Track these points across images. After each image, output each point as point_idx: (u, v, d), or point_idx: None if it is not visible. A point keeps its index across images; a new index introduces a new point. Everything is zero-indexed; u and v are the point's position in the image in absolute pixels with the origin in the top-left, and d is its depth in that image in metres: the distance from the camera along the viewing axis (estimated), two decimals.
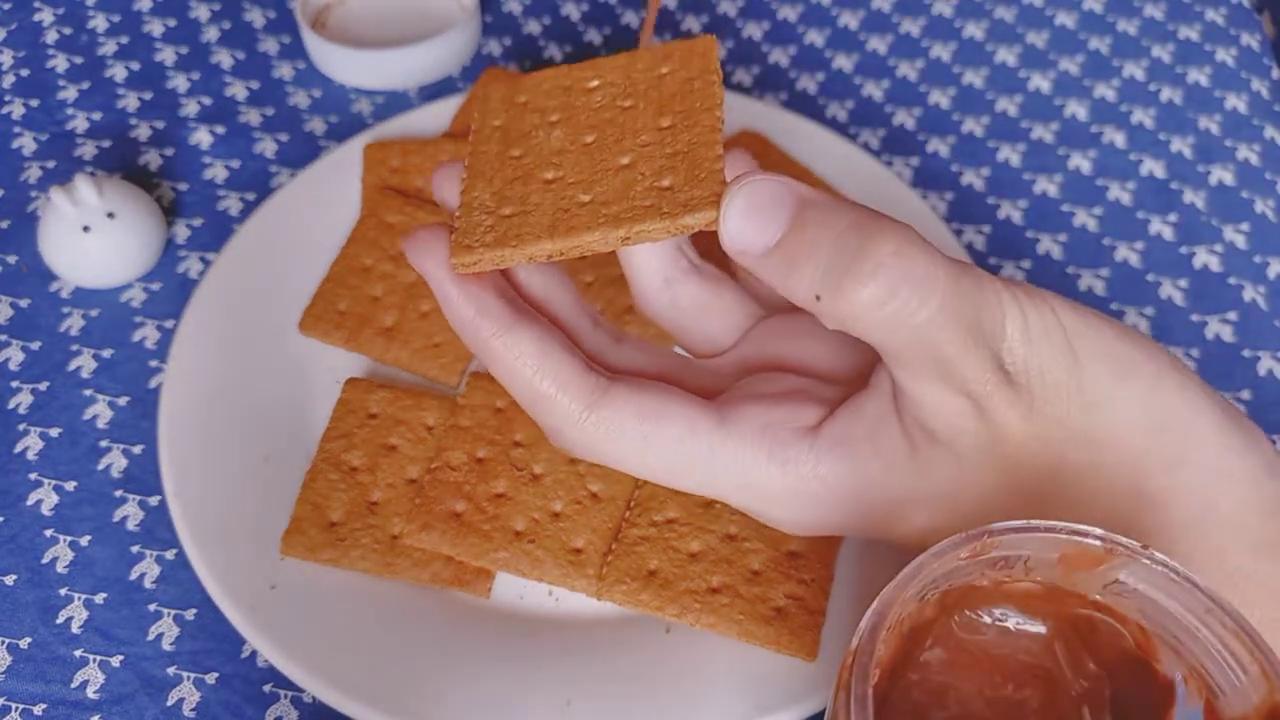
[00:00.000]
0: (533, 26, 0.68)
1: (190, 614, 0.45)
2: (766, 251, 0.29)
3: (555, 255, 0.30)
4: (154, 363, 0.52)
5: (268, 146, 0.61)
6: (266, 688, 0.43)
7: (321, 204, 0.55)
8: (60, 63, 0.65)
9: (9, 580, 0.46)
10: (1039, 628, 0.30)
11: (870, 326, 0.28)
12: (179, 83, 0.64)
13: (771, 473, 0.32)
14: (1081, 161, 0.61)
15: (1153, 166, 0.61)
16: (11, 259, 0.56)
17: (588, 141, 0.32)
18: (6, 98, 0.63)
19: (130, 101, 0.63)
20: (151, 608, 0.45)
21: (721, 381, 0.36)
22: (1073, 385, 0.30)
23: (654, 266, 0.35)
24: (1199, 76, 0.65)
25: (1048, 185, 0.60)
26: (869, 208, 0.29)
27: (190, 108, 0.63)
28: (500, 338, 0.32)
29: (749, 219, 0.29)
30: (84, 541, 0.47)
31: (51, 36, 0.67)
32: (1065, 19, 0.69)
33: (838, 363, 0.35)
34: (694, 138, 0.31)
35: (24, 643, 0.44)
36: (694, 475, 0.33)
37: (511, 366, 0.32)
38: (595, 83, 0.33)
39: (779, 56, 0.67)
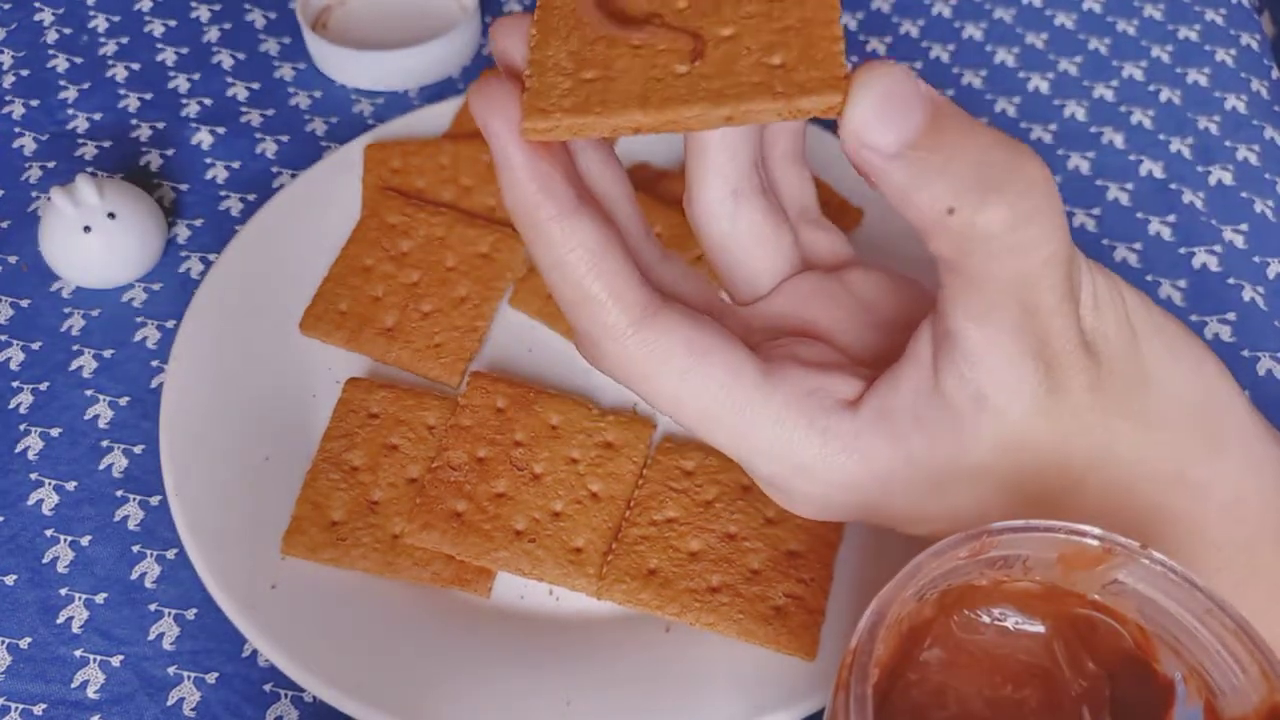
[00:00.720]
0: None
1: (191, 614, 0.45)
2: (898, 151, 0.25)
3: (645, 129, 0.27)
4: (155, 363, 0.52)
5: (269, 147, 0.61)
6: (267, 687, 0.43)
7: (322, 205, 0.55)
8: (61, 63, 0.65)
9: (9, 580, 0.46)
10: (1038, 627, 0.30)
11: (990, 252, 0.26)
12: (180, 83, 0.64)
13: (811, 441, 0.30)
14: (1080, 162, 0.61)
15: (1152, 167, 0.61)
16: (12, 259, 0.56)
17: (680, 7, 0.28)
18: (7, 98, 0.63)
19: (131, 102, 0.63)
20: (152, 607, 0.45)
21: (752, 335, 0.33)
22: (1134, 359, 0.29)
23: (727, 172, 0.31)
24: (1199, 76, 0.65)
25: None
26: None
27: (191, 108, 0.63)
28: (560, 222, 0.28)
29: (884, 111, 0.25)
30: (84, 541, 0.47)
31: (52, 36, 0.67)
32: (1065, 19, 0.69)
33: (864, 341, 0.33)
34: (808, 13, 0.27)
35: (24, 643, 0.44)
36: (725, 426, 0.30)
37: (564, 259, 0.28)
38: None
39: None
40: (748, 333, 0.33)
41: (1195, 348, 0.31)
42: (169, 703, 0.43)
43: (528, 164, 0.28)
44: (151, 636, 0.44)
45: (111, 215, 0.52)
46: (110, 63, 0.65)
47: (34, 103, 0.63)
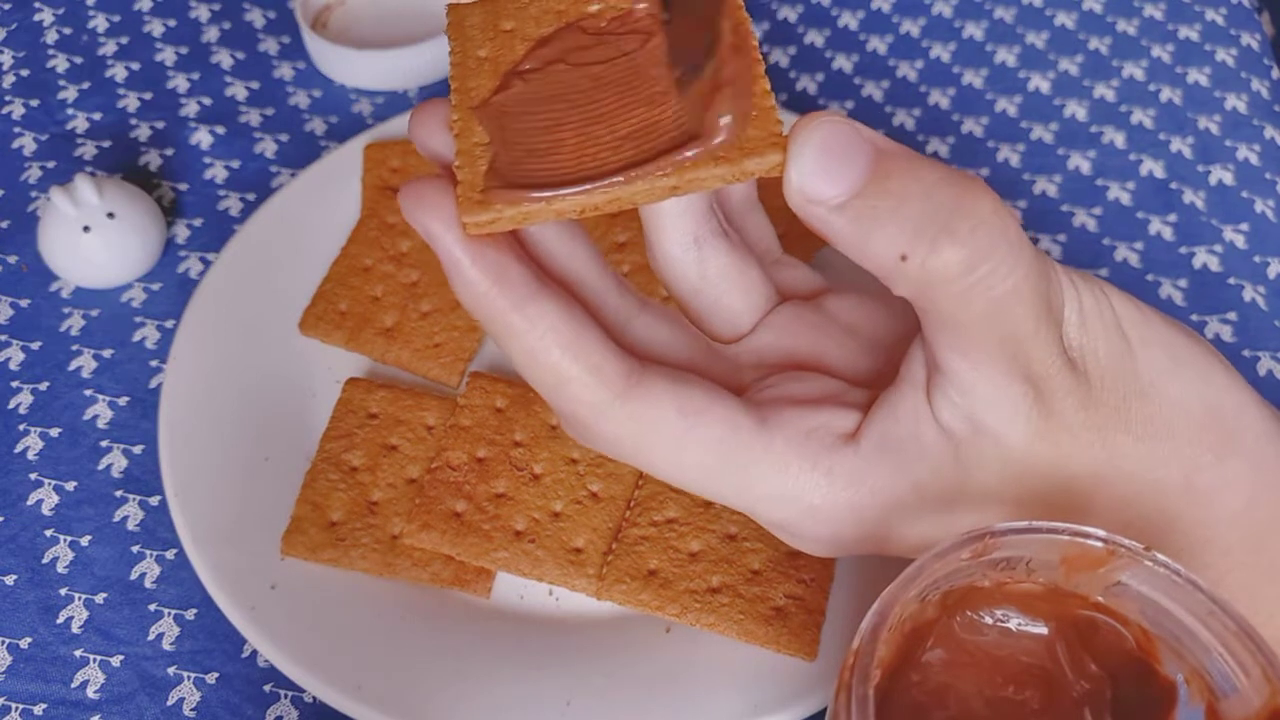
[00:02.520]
0: None
1: (190, 614, 0.45)
2: (843, 203, 0.25)
3: (589, 210, 0.26)
4: (154, 363, 0.52)
5: (268, 147, 0.61)
6: (267, 687, 0.43)
7: (322, 204, 0.55)
8: (60, 63, 0.65)
9: (9, 580, 0.46)
10: (1040, 629, 0.30)
11: (952, 293, 0.26)
12: (179, 83, 0.64)
13: (817, 483, 0.29)
14: (1081, 162, 0.61)
15: (1152, 166, 0.61)
16: (12, 259, 0.56)
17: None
18: (6, 98, 0.63)
19: (130, 101, 0.63)
20: (152, 607, 0.45)
21: (740, 373, 0.33)
22: (1128, 372, 0.29)
23: (685, 225, 0.30)
24: (1199, 76, 0.65)
25: (1047, 185, 0.60)
26: (944, 163, 0.27)
27: (190, 108, 0.63)
28: (522, 312, 0.27)
29: (824, 163, 0.25)
30: (84, 541, 0.47)
31: (51, 36, 0.67)
32: (1065, 19, 0.69)
33: (854, 364, 0.33)
34: (734, 74, 0.26)
35: (24, 643, 0.44)
36: (729, 481, 0.30)
37: (533, 346, 0.27)
38: (596, 7, 0.28)
39: (779, 57, 0.67)
40: (737, 371, 0.33)
41: (1200, 354, 0.30)
42: (169, 703, 0.43)
43: (475, 261, 0.27)
44: (151, 636, 0.44)
45: (111, 215, 0.52)
46: (110, 63, 0.65)
47: (34, 103, 0.63)
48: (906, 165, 0.26)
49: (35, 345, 0.53)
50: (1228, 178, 0.60)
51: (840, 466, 0.29)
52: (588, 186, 0.25)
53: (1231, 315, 0.55)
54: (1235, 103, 0.64)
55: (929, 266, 0.25)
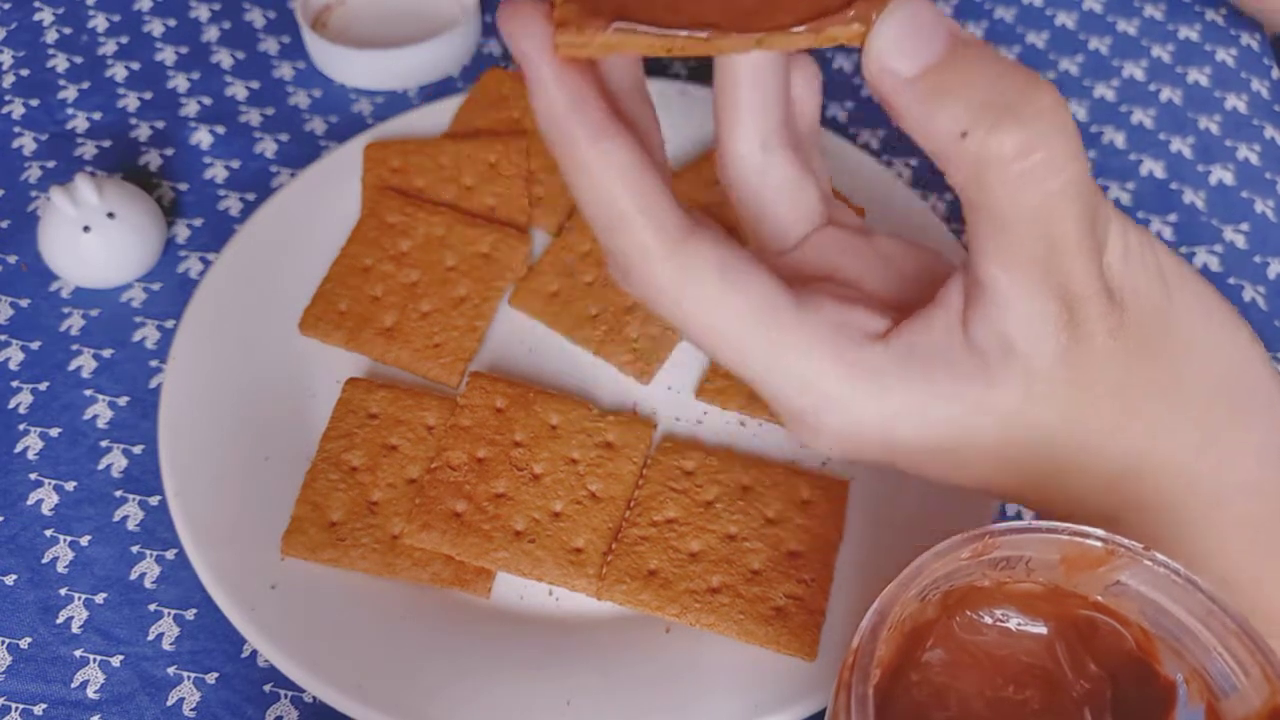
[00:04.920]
0: None
1: (190, 614, 0.45)
2: (916, 76, 0.26)
3: (676, 50, 0.27)
4: (154, 363, 0.52)
5: (268, 146, 0.61)
6: (267, 687, 0.43)
7: (322, 204, 0.55)
8: (60, 62, 0.65)
9: (9, 580, 0.46)
10: (1040, 628, 0.30)
11: (1006, 178, 0.26)
12: (179, 83, 0.64)
13: (838, 374, 0.29)
14: None
15: (1153, 166, 0.61)
16: (11, 259, 0.56)
17: None
18: (6, 98, 0.63)
19: (130, 101, 0.63)
20: (152, 607, 0.45)
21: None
22: (1162, 316, 0.29)
23: (758, 125, 0.31)
24: (1199, 76, 0.65)
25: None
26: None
27: (190, 108, 0.63)
28: (595, 143, 0.28)
29: (904, 37, 0.26)
30: (84, 541, 0.47)
31: (51, 36, 0.67)
32: (1065, 19, 0.69)
33: (889, 292, 0.33)
34: None
35: (24, 643, 0.44)
36: (755, 354, 0.30)
37: (599, 179, 0.28)
38: None
39: None
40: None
41: (1231, 316, 0.31)
42: (169, 703, 0.43)
43: (559, 81, 0.27)
44: (151, 636, 0.44)
45: (111, 215, 0.52)
46: (110, 62, 0.65)
47: (34, 102, 0.63)
48: (979, 52, 0.27)
49: (35, 345, 0.53)
50: (1228, 178, 0.60)
51: (864, 361, 0.30)
52: (681, 31, 0.26)
53: None
54: (1235, 103, 0.64)
55: (987, 145, 0.26)
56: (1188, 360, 0.30)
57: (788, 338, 0.29)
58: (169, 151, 0.61)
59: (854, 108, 0.64)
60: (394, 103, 0.63)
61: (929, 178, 0.60)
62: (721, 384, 0.49)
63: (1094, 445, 0.30)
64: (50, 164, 0.60)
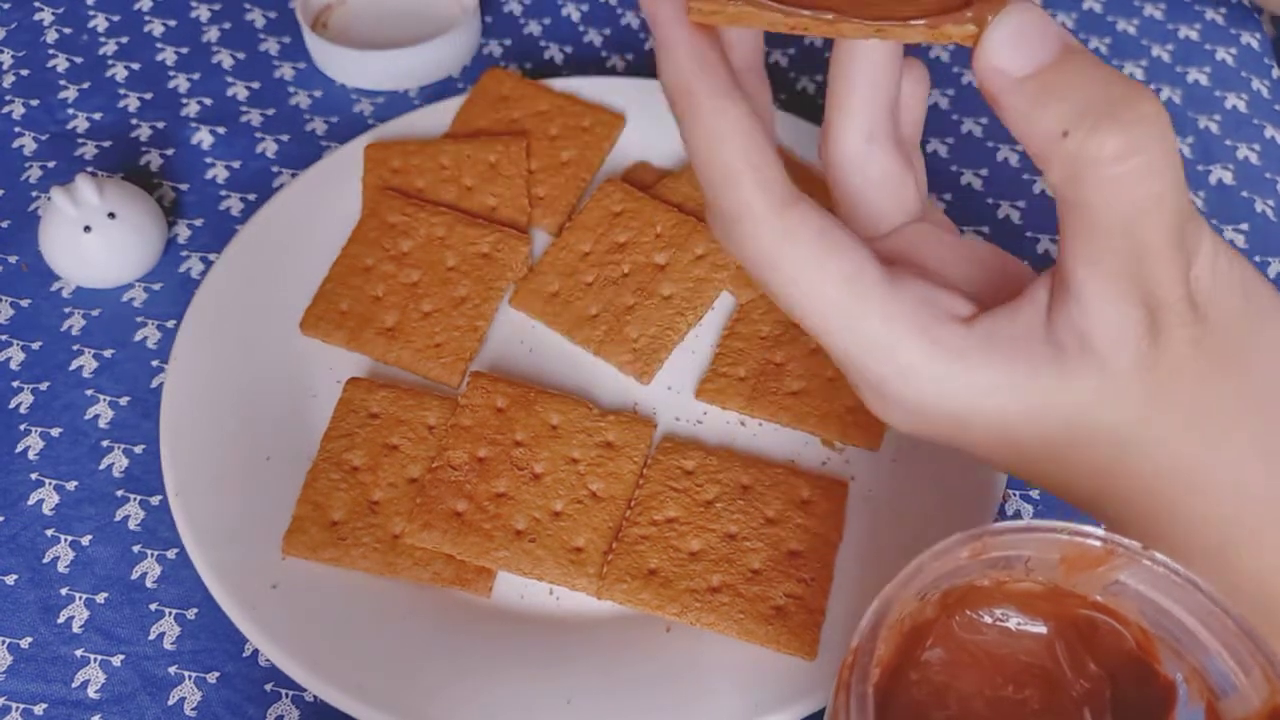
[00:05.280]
0: (533, 27, 0.68)
1: (191, 613, 0.45)
2: (1025, 77, 0.28)
3: (799, 28, 0.28)
4: (155, 362, 0.52)
5: (269, 147, 0.61)
6: (268, 687, 0.43)
7: (323, 204, 0.55)
8: (60, 62, 0.65)
9: (9, 580, 0.46)
10: (1040, 628, 0.30)
11: (1102, 180, 0.27)
12: (180, 83, 0.64)
13: (921, 347, 0.30)
14: None
15: None
16: (12, 259, 0.56)
17: None
18: (7, 98, 0.63)
19: (131, 101, 0.63)
20: (153, 607, 0.45)
21: None
22: (1243, 333, 0.29)
23: (865, 115, 0.33)
24: (1199, 76, 0.65)
25: (1046, 185, 0.60)
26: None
27: (191, 108, 0.63)
28: (715, 101, 0.29)
29: (1017, 40, 0.28)
30: (85, 541, 0.47)
31: (51, 36, 0.67)
32: (1065, 19, 0.69)
33: (972, 284, 0.34)
34: None
35: (24, 642, 0.44)
36: (839, 321, 0.31)
37: (718, 134, 0.29)
38: None
39: (779, 57, 0.67)
40: None
41: None
42: (170, 702, 0.43)
43: (690, 41, 0.29)
44: (152, 636, 0.44)
45: (112, 215, 0.52)
46: (110, 62, 0.65)
47: (34, 102, 0.63)
48: (1086, 59, 0.28)
49: (36, 345, 0.53)
50: (1228, 177, 0.60)
51: (945, 339, 0.30)
52: (805, 11, 0.28)
53: None
54: (1235, 102, 0.64)
55: (1086, 146, 0.27)
56: (1262, 379, 0.30)
57: (876, 306, 0.30)
58: (170, 151, 0.61)
59: None
60: (394, 103, 0.63)
61: (928, 178, 0.60)
62: (721, 384, 0.49)
63: (1155, 454, 0.30)
64: (51, 164, 0.60)
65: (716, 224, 0.32)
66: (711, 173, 0.30)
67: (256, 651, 0.44)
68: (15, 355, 0.52)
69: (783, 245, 0.30)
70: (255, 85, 0.64)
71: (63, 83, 0.64)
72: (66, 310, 0.54)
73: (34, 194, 0.59)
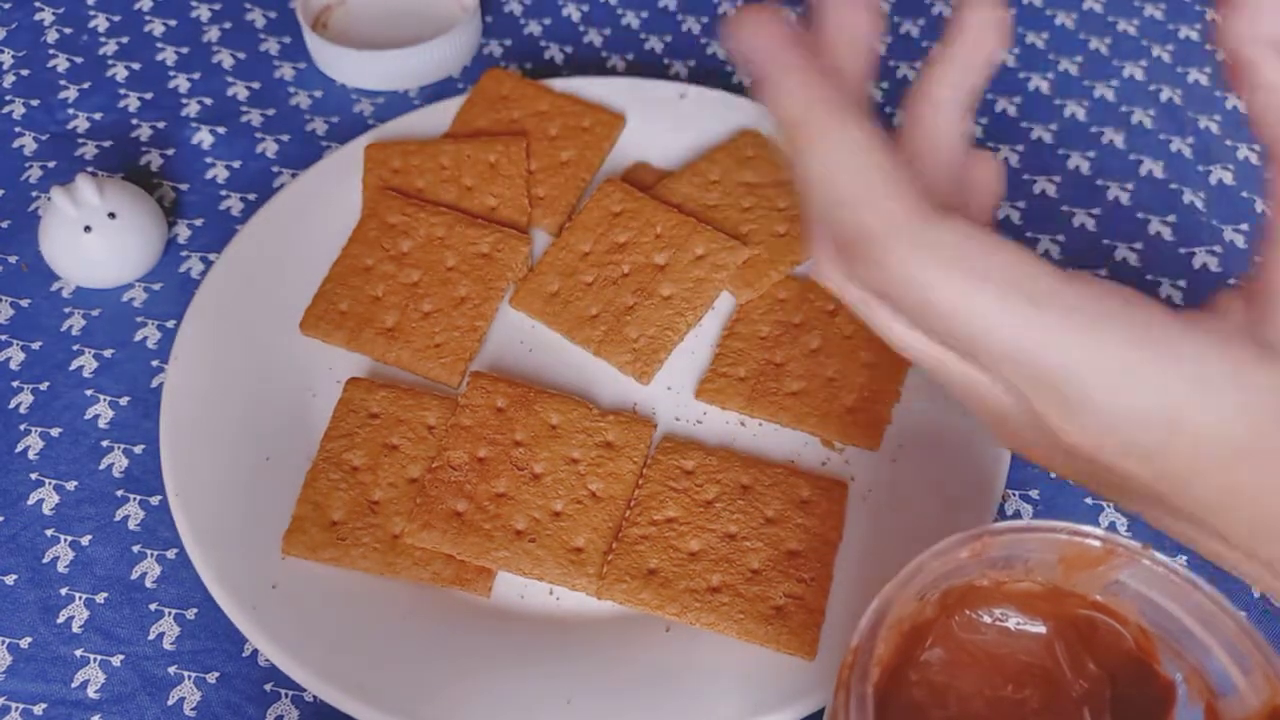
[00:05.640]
0: (533, 27, 0.68)
1: (191, 613, 0.45)
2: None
3: None
4: (155, 362, 0.52)
5: (269, 147, 0.61)
6: (267, 687, 0.43)
7: (323, 204, 0.55)
8: (61, 63, 0.65)
9: (9, 580, 0.46)
10: (1039, 628, 0.30)
11: None
12: (180, 83, 0.64)
13: (1128, 348, 0.28)
14: (1081, 162, 0.61)
15: (1152, 166, 0.61)
16: (12, 259, 0.56)
17: None
18: (7, 98, 0.63)
19: (131, 101, 0.63)
20: (152, 607, 0.45)
21: None
22: None
23: (961, 82, 0.32)
24: (1199, 76, 0.65)
25: (1046, 185, 0.60)
26: None
27: (191, 108, 0.63)
28: (843, 117, 0.28)
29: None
30: (85, 541, 0.47)
31: (52, 36, 0.67)
32: (1065, 19, 0.69)
33: None
34: None
35: (24, 642, 0.44)
36: (1014, 327, 0.28)
37: (849, 151, 0.27)
38: None
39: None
40: None
41: None
42: (169, 702, 0.43)
43: (803, 64, 0.28)
44: (152, 636, 0.44)
45: (112, 215, 0.52)
46: (110, 62, 0.65)
47: (34, 102, 0.63)
48: None
49: (36, 345, 0.53)
50: (1228, 177, 0.60)
51: (1160, 339, 0.28)
52: None
53: None
54: (1235, 102, 0.64)
55: None
56: None
57: (1061, 310, 0.27)
58: (170, 151, 0.61)
59: None
60: (394, 103, 0.64)
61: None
62: (721, 384, 0.50)
63: None
64: (51, 164, 0.60)
65: (856, 248, 0.29)
66: (846, 191, 0.28)
67: (256, 651, 0.44)
68: (15, 355, 0.52)
69: (939, 261, 0.27)
70: (255, 85, 0.64)
71: (63, 83, 0.64)
72: (66, 310, 0.54)
73: (34, 194, 0.59)
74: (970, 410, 0.31)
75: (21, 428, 0.50)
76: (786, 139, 0.29)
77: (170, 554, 0.46)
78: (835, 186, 0.28)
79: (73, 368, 0.52)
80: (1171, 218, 0.59)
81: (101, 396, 0.51)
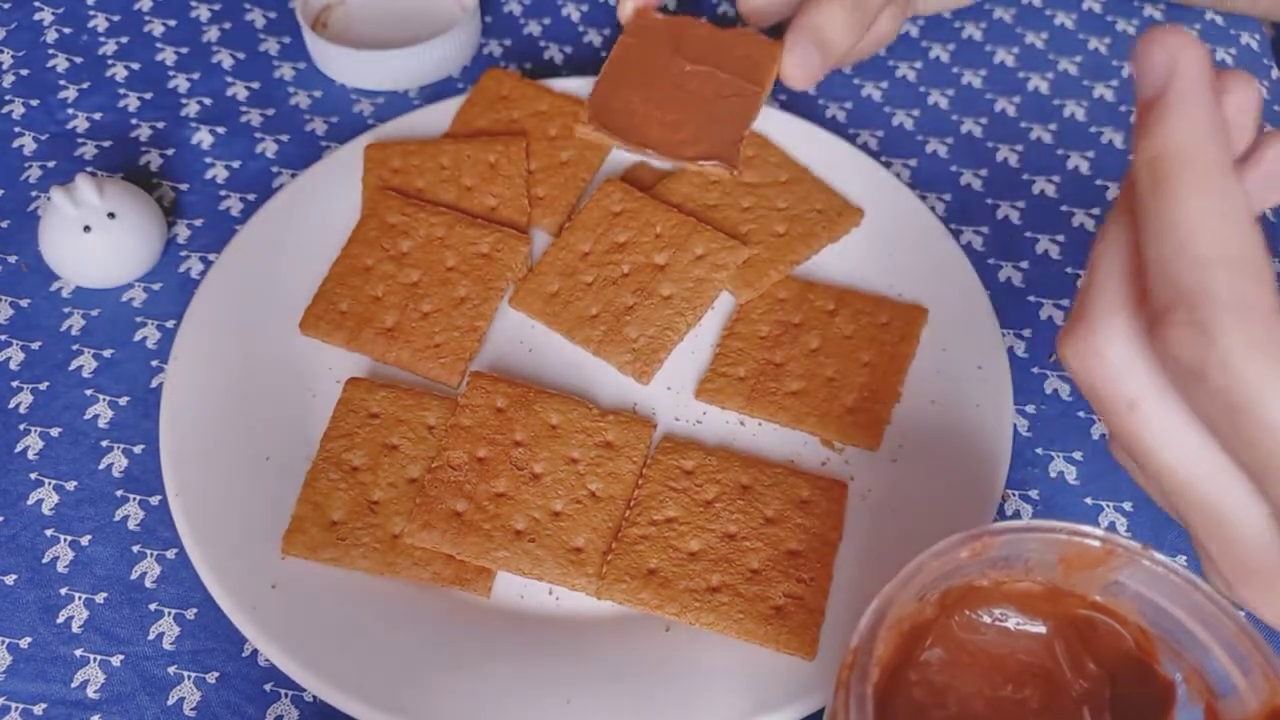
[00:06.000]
0: (533, 27, 0.68)
1: (191, 613, 0.45)
2: None
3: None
4: (155, 362, 0.52)
5: (269, 147, 0.61)
6: (267, 686, 0.43)
7: (322, 204, 0.55)
8: (60, 62, 0.65)
9: (9, 580, 0.46)
10: (1039, 628, 0.30)
11: None
12: (180, 83, 0.64)
13: None
14: (1080, 162, 0.61)
15: None
16: (12, 259, 0.56)
17: None
18: (7, 98, 0.63)
19: (131, 101, 0.63)
20: (152, 607, 0.45)
21: None
22: None
23: None
24: None
25: (1046, 185, 0.60)
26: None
27: (191, 108, 0.63)
28: (1227, 175, 0.26)
29: None
30: (84, 541, 0.47)
31: (51, 36, 0.67)
32: (1065, 19, 0.69)
33: None
34: None
35: (24, 642, 0.44)
36: None
37: (1243, 204, 0.25)
38: None
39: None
40: None
41: None
42: (169, 702, 0.43)
43: (1213, 105, 0.27)
44: (152, 636, 0.44)
45: (111, 215, 0.52)
46: (110, 62, 0.65)
47: (34, 102, 0.63)
48: None
49: (35, 345, 0.53)
50: None
51: None
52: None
53: None
54: None
55: None
56: None
57: None
58: (169, 151, 0.61)
59: (853, 109, 0.64)
60: (394, 103, 0.64)
61: (928, 178, 0.60)
62: (721, 384, 0.50)
63: None
64: (50, 164, 0.60)
65: (1160, 315, 0.25)
66: (1211, 249, 0.25)
67: (256, 651, 0.44)
68: (15, 355, 0.52)
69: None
70: (255, 85, 0.64)
71: (63, 83, 0.64)
72: (66, 310, 0.54)
73: (34, 194, 0.59)
74: (1196, 534, 0.28)
75: (21, 428, 0.50)
76: (1155, 176, 0.26)
77: (170, 554, 0.46)
78: (1202, 239, 0.25)
79: (72, 368, 0.52)
80: None
81: (101, 396, 0.51)
